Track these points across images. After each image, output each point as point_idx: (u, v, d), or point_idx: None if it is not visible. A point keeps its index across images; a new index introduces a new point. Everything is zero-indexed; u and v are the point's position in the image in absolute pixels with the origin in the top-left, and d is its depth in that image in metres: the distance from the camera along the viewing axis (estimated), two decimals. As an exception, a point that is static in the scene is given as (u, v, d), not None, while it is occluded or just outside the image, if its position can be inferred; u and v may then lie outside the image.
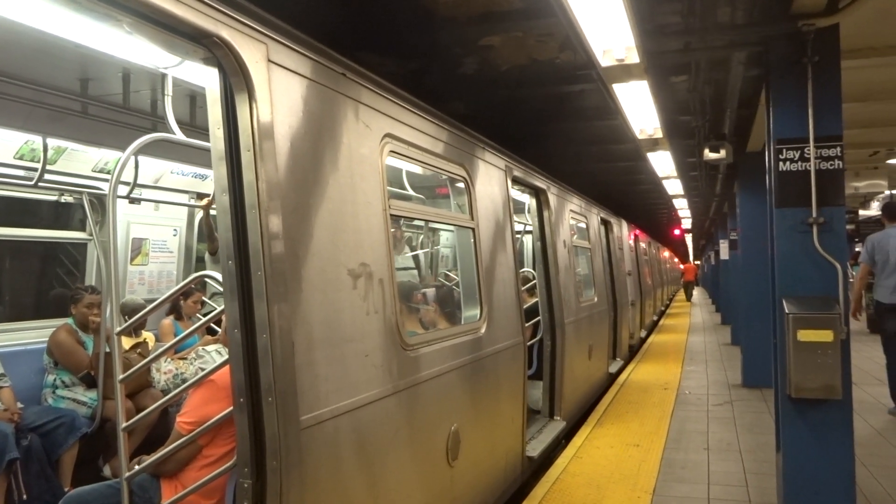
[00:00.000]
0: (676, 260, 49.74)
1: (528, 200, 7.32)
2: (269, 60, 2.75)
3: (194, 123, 5.33)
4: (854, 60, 5.54)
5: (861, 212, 20.47)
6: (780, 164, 4.67)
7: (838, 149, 4.58)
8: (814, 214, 4.56)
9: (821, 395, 4.44)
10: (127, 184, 5.91)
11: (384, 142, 3.63)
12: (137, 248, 6.68)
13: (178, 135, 3.73)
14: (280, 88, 2.81)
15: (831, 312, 4.43)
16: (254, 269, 2.64)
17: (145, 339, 5.87)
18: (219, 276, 2.84)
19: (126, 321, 4.49)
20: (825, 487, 4.50)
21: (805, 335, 4.44)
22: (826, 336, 4.41)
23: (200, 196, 6.96)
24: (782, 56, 4.70)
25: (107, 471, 5.23)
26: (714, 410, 8.36)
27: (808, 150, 4.59)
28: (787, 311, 4.50)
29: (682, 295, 38.65)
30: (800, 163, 4.63)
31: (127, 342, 5.54)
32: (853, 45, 5.36)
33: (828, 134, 4.58)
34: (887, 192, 17.20)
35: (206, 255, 7.20)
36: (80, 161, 5.60)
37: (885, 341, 7.91)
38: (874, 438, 6.83)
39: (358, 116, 3.39)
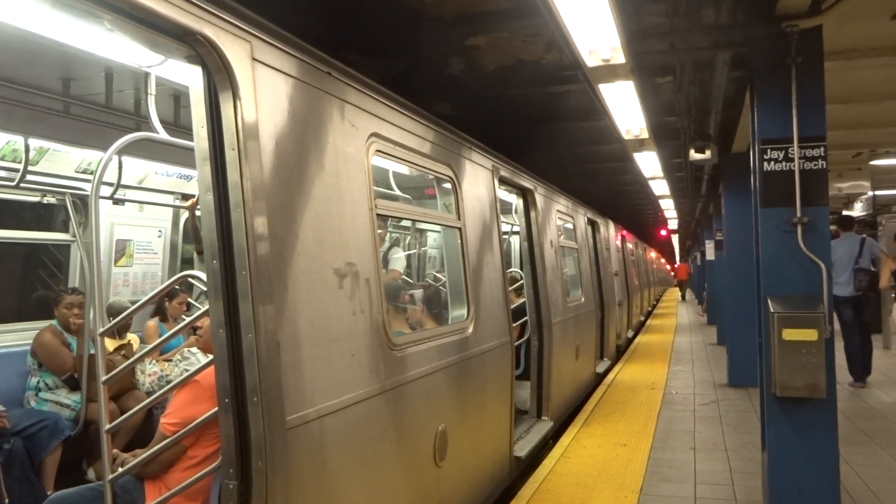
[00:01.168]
0: (663, 261, 50.06)
1: (516, 201, 7.32)
2: (254, 59, 2.73)
3: (178, 123, 5.30)
4: (837, 62, 5.60)
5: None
6: (765, 164, 4.70)
7: (822, 149, 4.62)
8: (798, 214, 4.59)
9: (805, 393, 4.47)
10: (110, 184, 5.86)
11: (370, 141, 3.61)
12: (121, 249, 6.62)
13: (162, 134, 3.70)
14: (265, 87, 2.79)
15: (815, 311, 4.46)
16: (239, 269, 2.61)
17: (130, 341, 5.82)
18: (203, 276, 2.82)
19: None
20: (810, 485, 4.53)
21: (790, 334, 4.47)
22: (810, 335, 4.44)
23: (185, 197, 6.92)
24: (766, 57, 4.73)
25: (91, 474, 5.18)
26: (700, 410, 8.40)
27: (793, 150, 4.62)
28: (772, 310, 4.52)
29: (669, 295, 39.44)
30: (784, 163, 4.66)
31: (111, 344, 5.48)
32: (836, 46, 5.41)
33: (811, 134, 4.61)
34: (870, 193, 17.37)
35: (195, 256, 7.17)
36: (63, 162, 5.54)
37: (841, 327, 9.10)
38: (858, 437, 6.88)
39: (344, 115, 3.37)
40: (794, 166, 4.62)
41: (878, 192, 17.12)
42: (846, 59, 5.73)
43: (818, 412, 4.54)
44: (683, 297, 36.48)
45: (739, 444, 6.72)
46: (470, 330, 4.87)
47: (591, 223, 11.44)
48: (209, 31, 2.50)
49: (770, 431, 4.67)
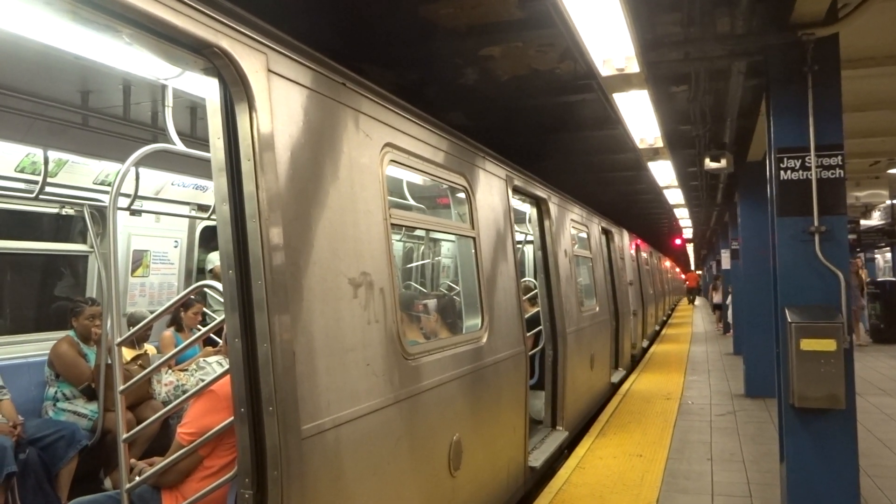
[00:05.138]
0: (678, 270, 50.12)
1: (529, 210, 7.32)
2: (269, 70, 2.76)
3: (195, 135, 5.34)
4: (854, 70, 5.56)
5: (862, 221, 20.47)
6: (782, 172, 4.67)
7: (839, 157, 4.58)
8: (815, 223, 4.55)
9: (824, 404, 4.42)
10: (128, 196, 5.91)
11: (384, 151, 3.63)
12: (138, 259, 6.67)
13: (179, 145, 3.72)
14: (280, 98, 2.81)
15: (834, 321, 4.41)
16: (254, 279, 2.63)
17: (146, 350, 5.85)
18: (219, 287, 2.83)
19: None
20: (829, 497, 4.48)
21: (808, 344, 4.42)
22: (829, 345, 4.39)
23: (202, 208, 6.98)
24: (782, 65, 4.71)
25: (108, 483, 5.20)
26: (717, 420, 8.32)
27: (809, 158, 4.59)
28: (789, 320, 4.48)
29: (684, 304, 42.66)
30: (801, 171, 4.64)
31: (128, 354, 5.52)
32: (853, 54, 5.38)
33: (828, 143, 4.58)
34: (888, 202, 17.22)
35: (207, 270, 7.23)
36: (81, 173, 5.60)
37: None
38: (878, 448, 6.79)
39: (358, 126, 3.39)
40: (811, 175, 4.59)
41: (895, 201, 16.96)
42: (863, 68, 5.69)
43: (837, 423, 4.48)
44: (692, 302, 41.80)
45: (757, 456, 6.65)
46: (484, 339, 4.86)
47: (606, 232, 11.40)
48: (226, 44, 2.53)
49: (788, 443, 4.62)
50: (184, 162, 5.52)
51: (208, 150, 2.71)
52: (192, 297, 6.35)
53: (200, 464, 3.15)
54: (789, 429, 4.61)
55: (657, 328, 21.48)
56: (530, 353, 6.08)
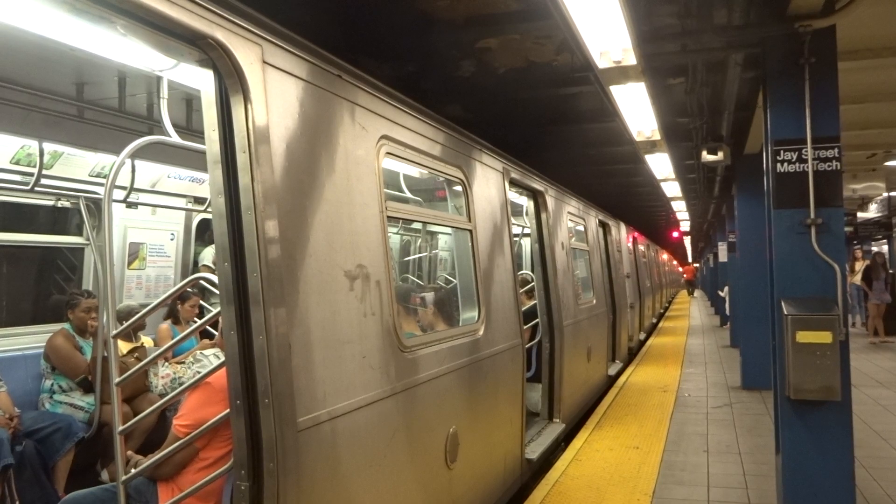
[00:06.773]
0: (675, 262, 50.38)
1: (526, 202, 7.31)
2: (265, 62, 2.74)
3: (190, 127, 5.33)
4: (851, 62, 5.55)
5: (859, 214, 20.47)
6: (778, 165, 4.67)
7: (836, 150, 4.58)
8: (812, 215, 4.55)
9: (820, 396, 4.43)
10: (123, 188, 5.90)
11: (380, 144, 3.62)
12: (135, 252, 6.66)
13: (174, 138, 3.71)
14: (275, 90, 2.80)
15: (830, 314, 4.42)
16: (250, 272, 2.62)
17: (143, 343, 5.85)
18: (215, 279, 2.83)
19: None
20: (825, 489, 4.49)
21: (804, 336, 4.43)
22: (825, 337, 4.40)
23: (198, 200, 6.96)
24: (779, 57, 4.70)
25: (105, 476, 5.20)
26: (713, 413, 8.34)
27: (806, 151, 4.59)
28: (785, 312, 4.49)
29: (681, 297, 43.93)
30: (798, 164, 4.63)
31: (125, 346, 5.51)
32: (850, 46, 5.37)
33: (825, 135, 4.58)
34: (885, 195, 17.22)
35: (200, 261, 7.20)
36: (77, 165, 5.58)
37: None
38: (874, 440, 6.82)
39: (354, 118, 3.38)
40: (807, 167, 4.59)
41: (893, 194, 16.98)
42: (860, 59, 5.68)
43: (833, 415, 4.50)
44: (690, 293, 44.37)
45: (753, 447, 6.68)
46: (481, 332, 4.86)
47: (603, 225, 11.40)
48: (220, 35, 2.52)
49: (784, 434, 4.64)
50: (180, 154, 5.51)
51: (204, 143, 2.70)
52: (190, 289, 6.34)
53: (196, 456, 3.15)
54: (785, 420, 4.63)
55: (654, 321, 21.52)
56: (527, 346, 6.09)
